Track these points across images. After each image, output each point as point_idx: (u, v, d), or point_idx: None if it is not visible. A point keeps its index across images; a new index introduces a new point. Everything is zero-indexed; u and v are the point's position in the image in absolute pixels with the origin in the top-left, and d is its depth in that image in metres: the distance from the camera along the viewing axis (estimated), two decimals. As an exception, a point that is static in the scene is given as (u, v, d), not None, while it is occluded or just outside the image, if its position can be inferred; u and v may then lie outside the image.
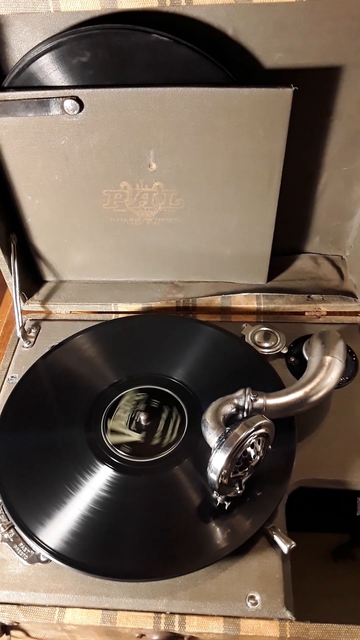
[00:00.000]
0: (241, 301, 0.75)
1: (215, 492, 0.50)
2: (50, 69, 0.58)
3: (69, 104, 0.58)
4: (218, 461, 0.47)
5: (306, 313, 0.74)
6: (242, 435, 0.47)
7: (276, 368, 0.64)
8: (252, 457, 0.49)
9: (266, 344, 0.68)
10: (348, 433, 0.60)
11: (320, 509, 0.64)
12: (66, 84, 0.59)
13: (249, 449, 0.49)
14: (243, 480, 0.51)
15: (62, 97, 0.58)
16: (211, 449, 0.49)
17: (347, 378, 0.65)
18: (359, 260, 0.75)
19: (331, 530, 0.66)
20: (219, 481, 0.48)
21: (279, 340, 0.68)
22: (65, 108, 0.58)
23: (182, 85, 0.57)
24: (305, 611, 0.49)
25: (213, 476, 0.48)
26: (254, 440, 0.49)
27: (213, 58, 0.57)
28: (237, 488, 0.50)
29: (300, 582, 0.54)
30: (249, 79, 0.59)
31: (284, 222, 0.71)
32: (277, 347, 0.67)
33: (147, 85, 0.57)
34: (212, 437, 0.51)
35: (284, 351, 0.67)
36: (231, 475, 0.49)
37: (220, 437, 0.49)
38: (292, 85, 0.56)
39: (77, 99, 0.58)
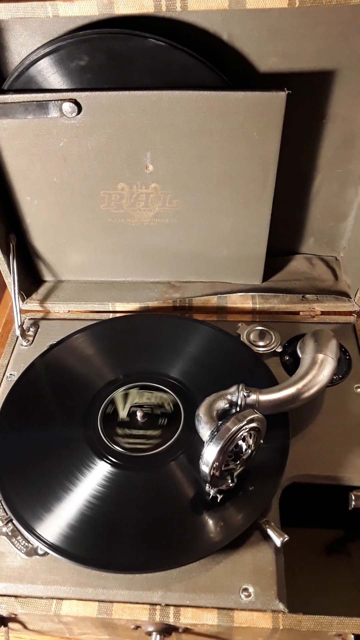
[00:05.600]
0: (237, 301, 0.76)
1: (207, 484, 0.51)
2: (49, 73, 0.59)
3: (67, 106, 0.59)
4: (210, 453, 0.48)
5: (301, 313, 0.75)
6: (233, 429, 0.48)
7: (271, 366, 0.64)
8: (243, 450, 0.50)
9: (261, 343, 0.69)
10: (341, 430, 0.61)
11: (313, 504, 0.64)
12: (65, 87, 0.60)
13: (240, 442, 0.50)
14: (235, 473, 0.51)
15: (61, 99, 0.59)
16: (204, 442, 0.50)
17: (340, 376, 0.65)
18: (353, 261, 0.76)
19: (325, 526, 0.67)
20: (211, 473, 0.49)
21: (273, 339, 0.69)
22: (63, 111, 0.59)
23: (178, 89, 0.58)
24: (299, 605, 0.49)
25: (205, 468, 0.49)
26: (246, 433, 0.49)
27: (209, 62, 0.58)
28: (229, 480, 0.51)
29: (294, 577, 0.54)
30: (244, 83, 0.61)
31: (279, 224, 0.72)
32: (272, 346, 0.68)
33: (144, 88, 0.58)
34: (205, 430, 0.52)
35: (279, 350, 0.68)
36: (223, 468, 0.49)
37: (212, 431, 0.49)
38: (285, 89, 0.57)
39: (76, 102, 0.59)
